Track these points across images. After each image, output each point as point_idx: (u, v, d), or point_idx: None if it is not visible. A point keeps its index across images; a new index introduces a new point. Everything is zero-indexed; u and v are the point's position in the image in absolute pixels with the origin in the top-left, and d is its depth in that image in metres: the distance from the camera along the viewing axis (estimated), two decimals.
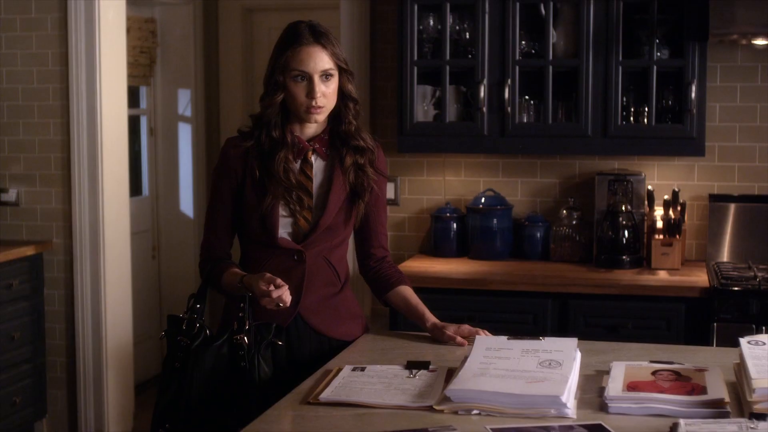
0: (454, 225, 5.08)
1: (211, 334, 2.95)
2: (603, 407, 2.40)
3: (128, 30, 5.96)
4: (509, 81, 4.75)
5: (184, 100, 7.06)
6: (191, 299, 3.00)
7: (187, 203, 7.13)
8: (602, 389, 2.49)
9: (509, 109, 4.76)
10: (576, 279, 4.59)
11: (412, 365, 2.76)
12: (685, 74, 4.63)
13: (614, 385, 2.48)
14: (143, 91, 7.02)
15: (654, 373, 2.60)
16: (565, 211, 5.01)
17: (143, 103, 7.06)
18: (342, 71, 3.11)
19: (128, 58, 5.91)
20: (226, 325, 3.02)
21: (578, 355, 2.70)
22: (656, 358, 2.79)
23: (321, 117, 3.09)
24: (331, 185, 3.13)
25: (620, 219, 4.78)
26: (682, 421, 2.21)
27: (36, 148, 5.49)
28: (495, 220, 4.98)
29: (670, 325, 4.42)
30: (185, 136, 7.10)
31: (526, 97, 4.85)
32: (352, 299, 3.28)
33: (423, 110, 4.95)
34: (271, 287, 2.82)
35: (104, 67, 5.45)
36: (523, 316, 4.52)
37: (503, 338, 2.82)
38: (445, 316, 4.44)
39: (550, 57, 4.75)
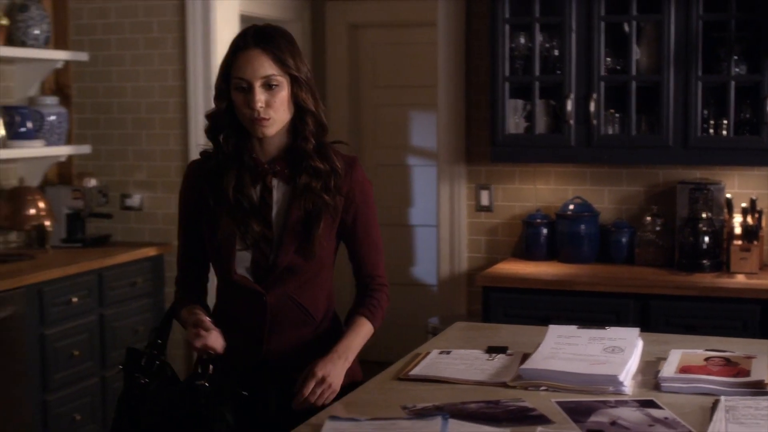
0: (544, 230, 5.41)
1: (173, 373, 2.79)
2: (657, 387, 2.73)
3: None
4: (595, 95, 5.07)
5: None
6: (152, 333, 2.88)
7: None
8: (658, 372, 2.82)
9: (595, 121, 5.07)
10: (657, 281, 4.88)
11: (492, 349, 3.12)
12: (761, 89, 4.89)
13: (668, 368, 2.81)
14: None
15: (706, 359, 2.91)
16: (649, 218, 5.29)
17: None
18: (294, 80, 2.75)
19: None
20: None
21: (640, 342, 3.02)
22: (714, 347, 3.10)
23: (269, 130, 2.74)
24: (288, 216, 2.80)
25: (700, 225, 5.05)
26: (722, 398, 2.55)
27: (157, 157, 5.96)
28: (582, 226, 5.30)
29: (745, 325, 4.68)
30: None
31: (611, 110, 5.15)
32: (336, 338, 2.87)
33: (515, 123, 5.28)
34: (200, 332, 2.67)
35: None
36: (606, 316, 4.82)
37: (573, 327, 3.16)
38: (534, 315, 4.83)
39: (633, 72, 5.05)
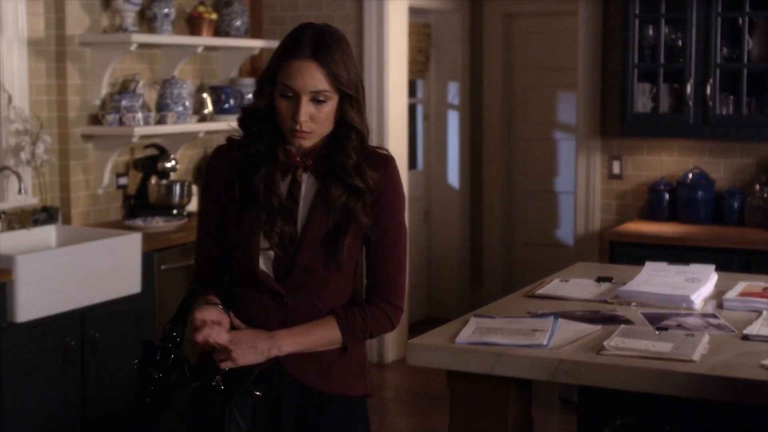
0: (667, 195, 6.28)
1: (189, 368, 2.66)
2: (720, 305, 3.64)
3: (409, 34, 7.40)
4: (711, 80, 5.90)
5: (453, 92, 8.49)
6: (167, 326, 2.73)
7: (453, 177, 8.53)
8: (723, 295, 3.73)
9: (711, 102, 5.91)
10: (760, 240, 5.72)
11: (600, 279, 4.05)
12: None
13: (731, 293, 3.71)
14: (420, 84, 8.49)
15: (764, 288, 3.80)
16: (758, 186, 6.10)
17: (419, 94, 8.52)
18: (344, 96, 2.62)
19: (409, 57, 7.36)
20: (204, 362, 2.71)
21: (714, 276, 3.92)
22: None
23: (307, 143, 2.63)
24: (312, 215, 2.68)
25: None
26: (765, 311, 3.45)
27: None
28: (700, 192, 6.14)
29: None
30: (453, 121, 8.51)
31: (725, 93, 5.98)
32: (356, 348, 2.78)
33: (642, 103, 6.15)
34: (202, 324, 2.56)
35: (390, 65, 6.91)
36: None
37: (664, 264, 4.07)
38: None
39: (746, 60, 5.88)
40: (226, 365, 2.58)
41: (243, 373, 2.58)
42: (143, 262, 5.32)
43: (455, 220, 8.52)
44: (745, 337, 3.21)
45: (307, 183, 2.71)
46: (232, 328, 2.64)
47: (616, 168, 6.52)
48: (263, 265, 2.69)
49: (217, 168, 2.76)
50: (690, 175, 6.20)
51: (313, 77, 2.57)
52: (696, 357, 2.96)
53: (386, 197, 2.71)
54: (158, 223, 5.84)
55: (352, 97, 2.64)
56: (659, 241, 5.85)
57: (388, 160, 2.73)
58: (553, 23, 8.26)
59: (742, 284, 3.88)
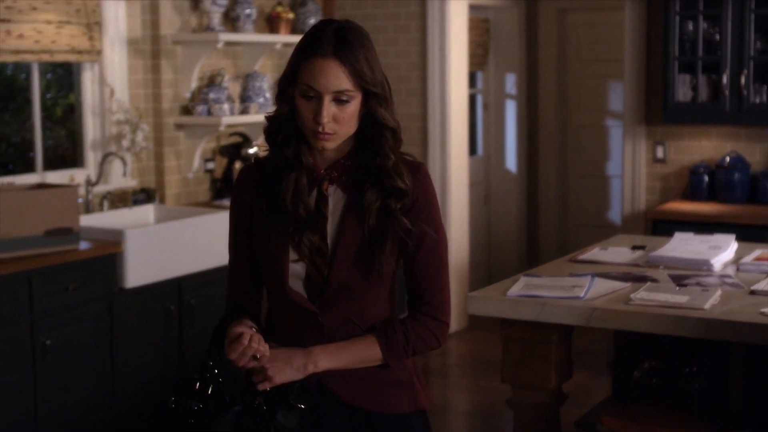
0: (706, 178, 6.83)
1: (231, 398, 2.54)
2: (738, 269, 4.22)
3: (469, 29, 8.00)
4: (746, 71, 6.44)
5: (511, 82, 9.09)
6: (202, 356, 2.60)
7: (511, 162, 9.13)
8: (740, 259, 4.30)
9: (745, 92, 6.46)
10: None
11: (635, 247, 4.65)
12: None
13: (748, 258, 4.29)
14: (479, 75, 9.09)
15: None
16: None
17: (479, 84, 9.13)
18: (371, 95, 2.50)
19: (469, 50, 7.96)
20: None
21: (735, 245, 4.49)
22: None
23: (330, 144, 2.50)
24: (344, 229, 2.53)
25: None
26: None
27: (402, 118, 7.62)
28: (736, 174, 6.69)
29: None
30: (511, 110, 9.11)
31: (759, 83, 6.52)
32: (400, 365, 2.60)
33: (683, 92, 6.71)
34: (237, 336, 2.45)
35: (452, 58, 7.52)
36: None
37: (691, 234, 4.66)
38: None
39: None
40: (264, 386, 2.47)
41: (283, 390, 2.48)
42: None
43: (513, 202, 9.12)
44: (752, 292, 3.80)
45: (334, 196, 2.57)
46: None
47: (659, 153, 7.08)
48: (294, 284, 2.53)
49: (244, 185, 2.63)
50: (727, 159, 6.74)
51: (336, 76, 2.43)
52: (707, 306, 3.56)
53: (420, 204, 2.55)
54: None
55: (379, 96, 2.51)
56: (698, 219, 6.40)
57: (419, 167, 2.58)
58: (602, 17, 8.83)
59: (758, 251, 4.45)
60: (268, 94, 6.79)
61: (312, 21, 7.30)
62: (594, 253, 4.58)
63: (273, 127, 2.56)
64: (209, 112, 6.45)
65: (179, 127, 6.52)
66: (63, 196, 5.14)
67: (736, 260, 4.37)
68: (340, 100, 2.45)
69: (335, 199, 2.56)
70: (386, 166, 2.51)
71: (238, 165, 6.76)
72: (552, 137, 9.10)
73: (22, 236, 4.92)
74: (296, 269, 2.53)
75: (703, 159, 6.95)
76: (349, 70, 2.44)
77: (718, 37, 6.58)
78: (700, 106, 6.65)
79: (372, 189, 2.52)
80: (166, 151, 6.46)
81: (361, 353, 2.55)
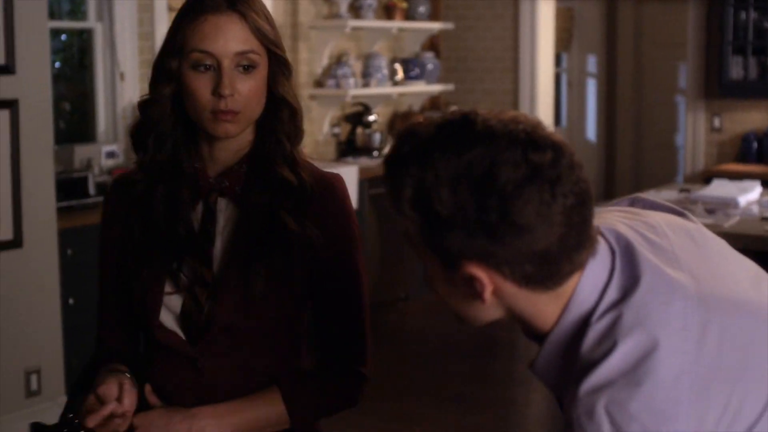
0: (755, 144, 8.03)
1: None
2: (760, 206, 5.47)
3: (556, 17, 9.26)
4: None
5: (592, 63, 10.35)
6: (65, 407, 2.02)
7: (591, 132, 10.40)
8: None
9: None
10: None
11: (682, 190, 5.90)
12: None
13: (766, 200, 5.55)
14: (564, 56, 10.34)
15: None
16: None
17: (564, 65, 10.39)
18: (273, 58, 1.97)
19: (555, 35, 9.22)
20: None
21: (760, 188, 5.72)
22: None
23: (235, 128, 1.94)
24: (234, 253, 1.98)
25: None
26: None
27: (497, 94, 8.92)
28: None
29: None
30: (592, 87, 10.38)
31: None
32: (308, 430, 2.06)
33: (735, 72, 7.94)
34: (94, 405, 1.87)
35: (540, 41, 8.76)
36: None
37: (726, 180, 5.91)
38: None
39: None
40: None
41: None
42: (358, 187, 7.34)
43: (592, 169, 10.36)
44: (764, 218, 5.06)
45: (225, 212, 2.02)
46: (145, 405, 1.98)
47: (716, 123, 8.30)
48: (167, 320, 1.99)
49: (111, 206, 2.09)
50: None
51: (235, 35, 1.91)
52: (725, 225, 4.83)
53: (333, 227, 2.00)
54: (364, 162, 7.85)
55: (281, 61, 1.98)
56: (746, 177, 7.61)
57: (334, 180, 2.04)
58: (672, 7, 10.03)
59: None
60: (385, 71, 8.13)
61: (422, 9, 8.61)
62: (649, 194, 5.85)
63: (142, 127, 2.01)
64: (338, 86, 7.80)
65: (312, 98, 7.88)
66: None
67: (760, 200, 5.61)
68: (244, 66, 1.92)
69: (226, 215, 2.01)
70: (275, 153, 1.99)
71: (360, 130, 8.10)
72: (628, 111, 10.36)
73: None
74: (171, 303, 1.98)
75: (754, 129, 8.15)
76: (251, 26, 1.93)
77: (766, 24, 7.77)
78: (750, 83, 7.87)
79: (263, 190, 1.99)
80: None
81: (262, 415, 1.98)
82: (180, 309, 1.99)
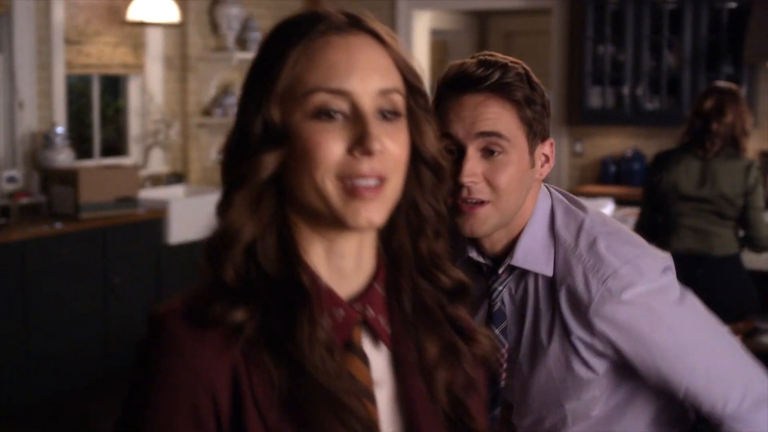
0: (613, 167, 8.69)
1: None
2: None
3: (430, 48, 9.82)
4: (642, 84, 8.31)
5: None
6: None
7: None
8: None
9: (642, 101, 8.32)
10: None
11: None
12: None
13: (619, 213, 6.15)
14: None
15: None
16: None
17: None
18: (414, 98, 1.36)
19: (429, 67, 9.78)
20: None
21: (611, 205, 6.33)
22: None
23: (379, 214, 1.30)
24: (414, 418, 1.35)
25: None
26: None
27: None
28: (635, 165, 8.53)
29: None
30: None
31: (652, 93, 8.37)
32: None
33: (594, 100, 8.56)
34: None
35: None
36: None
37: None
38: None
39: (665, 69, 8.29)
40: None
41: None
42: None
43: None
44: None
45: (375, 354, 1.36)
46: None
47: (578, 147, 8.95)
48: None
49: (196, 364, 1.28)
50: (629, 152, 8.60)
51: (377, 65, 1.33)
52: None
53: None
54: None
55: (422, 96, 1.39)
56: (605, 196, 8.24)
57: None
58: (539, 39, 10.73)
59: (628, 209, 6.31)
60: None
61: None
62: None
63: (232, 207, 1.37)
64: (224, 114, 8.25)
65: (201, 126, 8.32)
66: (128, 173, 6.97)
67: (612, 215, 6.19)
68: (388, 111, 1.33)
69: (378, 357, 1.37)
70: (428, 252, 1.40)
71: None
72: None
73: (97, 202, 6.72)
74: None
75: (611, 153, 8.81)
76: (392, 55, 1.37)
77: (621, 57, 8.45)
78: (608, 111, 8.52)
79: (425, 328, 1.38)
80: (190, 144, 8.25)
81: None
82: None
